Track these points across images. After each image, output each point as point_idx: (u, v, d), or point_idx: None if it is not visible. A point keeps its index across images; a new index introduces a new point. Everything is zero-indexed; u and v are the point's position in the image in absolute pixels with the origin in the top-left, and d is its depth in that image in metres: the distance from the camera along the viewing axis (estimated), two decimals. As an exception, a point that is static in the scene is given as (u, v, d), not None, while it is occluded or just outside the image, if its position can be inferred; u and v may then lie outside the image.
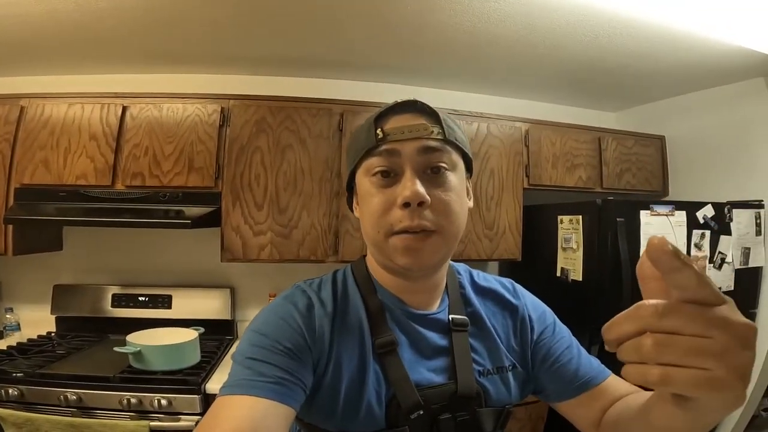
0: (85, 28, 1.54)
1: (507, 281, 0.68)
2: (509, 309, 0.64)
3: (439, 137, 0.52)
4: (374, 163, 0.52)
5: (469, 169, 0.58)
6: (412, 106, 0.54)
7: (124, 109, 1.67)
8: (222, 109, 1.70)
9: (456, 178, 0.53)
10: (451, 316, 0.58)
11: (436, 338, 0.57)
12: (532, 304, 0.66)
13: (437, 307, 0.59)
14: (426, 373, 0.54)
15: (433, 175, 0.51)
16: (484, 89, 2.21)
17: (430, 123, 0.52)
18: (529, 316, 0.64)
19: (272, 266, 1.83)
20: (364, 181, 0.54)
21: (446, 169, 0.52)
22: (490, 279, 0.67)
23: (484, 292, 0.64)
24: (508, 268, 2.28)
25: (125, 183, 1.63)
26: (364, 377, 0.52)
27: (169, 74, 1.97)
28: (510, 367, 0.60)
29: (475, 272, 0.67)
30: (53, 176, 1.63)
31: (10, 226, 1.60)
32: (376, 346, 0.53)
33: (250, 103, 1.74)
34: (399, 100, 0.55)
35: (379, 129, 0.52)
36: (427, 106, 0.54)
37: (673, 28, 1.47)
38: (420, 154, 0.51)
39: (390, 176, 0.51)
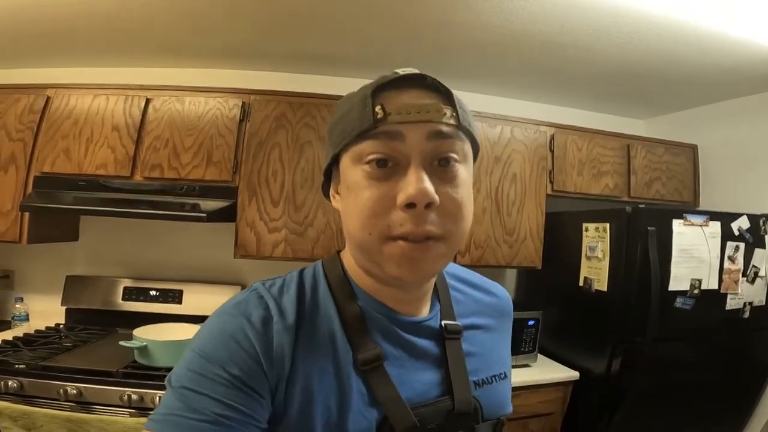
0: (115, 19, 1.55)
1: (495, 283, 0.63)
2: (500, 312, 0.59)
3: (452, 122, 0.42)
4: (368, 148, 0.41)
5: (475, 157, 0.49)
6: (420, 82, 0.42)
7: (148, 101, 1.67)
8: (243, 103, 1.70)
9: (466, 171, 0.44)
10: (443, 322, 0.50)
11: (427, 348, 0.49)
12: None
13: (428, 313, 0.50)
14: (418, 388, 0.46)
15: (441, 168, 0.41)
16: (508, 92, 2.18)
17: (443, 103, 0.42)
18: (511, 322, 0.61)
19: (285, 264, 1.79)
20: (352, 170, 0.43)
21: (457, 161, 0.42)
22: (478, 276, 0.61)
23: (475, 289, 0.58)
24: (526, 276, 2.21)
25: (144, 174, 1.62)
26: (346, 400, 0.42)
27: (192, 68, 1.98)
28: (502, 376, 0.54)
29: (459, 268, 0.60)
30: (73, 165, 1.63)
31: (27, 214, 1.59)
32: (358, 362, 0.44)
33: (271, 98, 1.72)
34: (402, 71, 0.43)
35: (379, 106, 0.40)
36: (439, 82, 0.43)
37: (712, 30, 1.42)
38: (429, 140, 0.41)
39: (388, 166, 0.41)
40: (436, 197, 0.39)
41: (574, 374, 1.71)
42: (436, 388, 0.47)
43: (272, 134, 1.70)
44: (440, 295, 0.53)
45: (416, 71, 0.43)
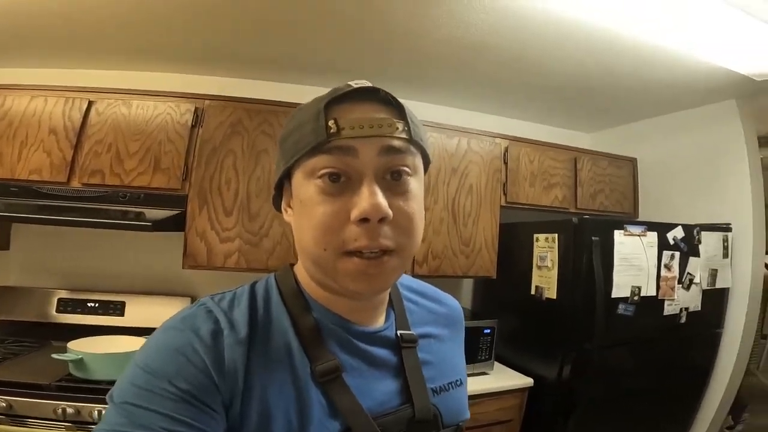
0: (63, 20, 1.48)
1: (446, 294, 0.65)
2: (452, 321, 0.61)
3: (404, 136, 0.43)
4: (321, 163, 0.41)
5: (425, 169, 0.50)
6: (373, 95, 0.43)
7: (90, 104, 1.59)
8: (196, 109, 1.65)
9: (417, 184, 0.45)
10: (399, 332, 0.51)
11: (385, 358, 0.49)
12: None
13: (383, 323, 0.51)
14: (379, 397, 0.47)
15: (393, 182, 0.42)
16: (466, 104, 2.23)
17: (395, 117, 0.43)
18: (463, 330, 0.63)
19: (238, 275, 1.73)
20: (305, 185, 0.43)
21: (408, 175, 0.44)
22: (429, 287, 0.63)
23: (428, 300, 0.60)
24: (482, 286, 2.25)
25: (82, 180, 1.53)
26: (306, 413, 0.42)
27: (142, 72, 1.91)
28: (458, 383, 0.55)
29: (411, 280, 0.61)
30: (5, 170, 1.52)
31: (-50, 222, 1.47)
32: (316, 374, 0.43)
33: (227, 104, 1.69)
34: (355, 84, 0.44)
35: (332, 120, 0.41)
36: (391, 96, 0.44)
37: (658, 46, 1.50)
38: (381, 155, 0.42)
39: (341, 181, 0.41)
40: (390, 212, 0.41)
41: (528, 381, 1.75)
42: (396, 397, 0.48)
43: (227, 141, 1.66)
44: (395, 305, 0.54)
45: (369, 84, 0.44)
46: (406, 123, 0.43)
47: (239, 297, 0.47)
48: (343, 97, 0.43)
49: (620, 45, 1.52)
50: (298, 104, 1.58)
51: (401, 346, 0.50)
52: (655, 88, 1.89)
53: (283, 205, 0.50)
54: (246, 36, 1.65)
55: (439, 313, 0.59)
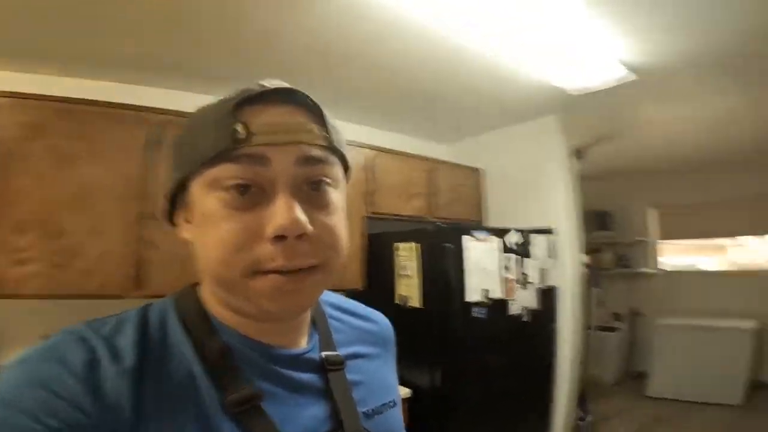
0: None
1: (374, 310, 0.61)
2: (381, 339, 0.57)
3: (323, 143, 0.39)
4: (227, 172, 0.37)
5: (348, 179, 0.46)
6: (289, 96, 0.39)
7: None
8: (-20, 107, 1.34)
9: (339, 195, 0.42)
10: (323, 354, 0.47)
11: (309, 382, 0.45)
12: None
13: (306, 345, 0.47)
14: (306, 423, 0.42)
15: (313, 193, 0.39)
16: (331, 113, 2.22)
17: (313, 122, 0.39)
18: (393, 348, 0.60)
19: (44, 304, 1.44)
20: (207, 197, 0.38)
21: (329, 185, 0.40)
22: (356, 304, 0.59)
23: (355, 317, 0.56)
24: (353, 298, 2.22)
25: None
26: None
27: None
28: (392, 404, 0.51)
29: (335, 296, 0.57)
30: None
31: None
32: (227, 404, 0.38)
33: (28, 103, 1.41)
34: (269, 83, 0.39)
35: (241, 124, 0.36)
36: (309, 98, 0.39)
37: (495, 60, 1.62)
38: (298, 166, 0.37)
39: (250, 192, 0.37)
40: (309, 227, 0.37)
41: (407, 391, 1.74)
42: (325, 423, 0.44)
43: (23, 145, 1.38)
44: (318, 324, 0.49)
45: (284, 84, 0.39)
46: (326, 129, 0.40)
47: (124, 322, 0.40)
48: (255, 99, 0.38)
49: (470, 58, 1.62)
50: (125, 105, 1.32)
51: (327, 368, 0.46)
52: (496, 102, 2.09)
53: (179, 219, 0.43)
54: (49, 26, 1.41)
55: (367, 331, 0.55)
